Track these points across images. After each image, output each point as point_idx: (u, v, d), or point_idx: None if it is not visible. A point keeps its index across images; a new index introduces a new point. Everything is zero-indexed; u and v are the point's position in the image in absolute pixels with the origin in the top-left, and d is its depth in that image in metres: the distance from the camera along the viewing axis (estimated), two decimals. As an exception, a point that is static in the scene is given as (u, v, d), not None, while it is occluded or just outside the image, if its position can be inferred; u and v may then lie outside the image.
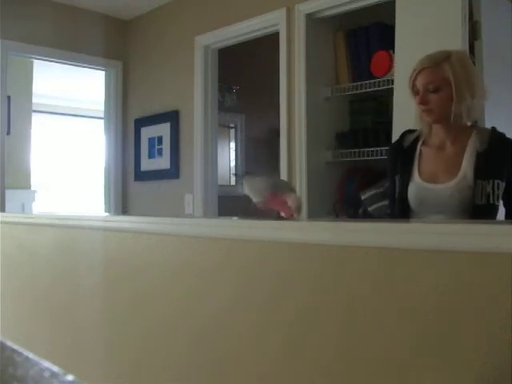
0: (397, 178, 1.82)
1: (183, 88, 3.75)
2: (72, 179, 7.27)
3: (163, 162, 3.92)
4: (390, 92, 2.70)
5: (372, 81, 2.89)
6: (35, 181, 5.44)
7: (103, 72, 4.26)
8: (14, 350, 0.50)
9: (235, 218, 1.51)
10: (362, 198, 2.84)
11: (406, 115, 1.86)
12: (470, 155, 1.71)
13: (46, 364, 0.45)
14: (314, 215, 2.91)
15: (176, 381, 1.50)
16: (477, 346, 0.89)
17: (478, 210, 1.65)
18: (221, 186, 3.98)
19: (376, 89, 2.88)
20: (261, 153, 4.60)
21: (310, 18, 3.00)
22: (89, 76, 4.76)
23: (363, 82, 2.94)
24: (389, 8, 2.64)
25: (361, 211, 2.85)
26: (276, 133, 3.31)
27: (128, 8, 4.03)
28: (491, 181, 1.65)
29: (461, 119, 1.72)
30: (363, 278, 1.06)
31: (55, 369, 0.44)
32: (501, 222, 1.51)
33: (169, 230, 1.56)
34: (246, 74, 4.36)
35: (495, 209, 1.69)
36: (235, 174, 4.71)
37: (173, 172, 3.84)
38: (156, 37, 4.01)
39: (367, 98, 3.09)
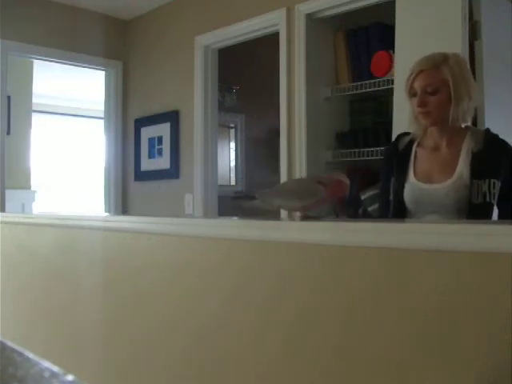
0: (392, 180, 1.84)
1: (183, 88, 3.75)
2: (72, 179, 7.26)
3: (163, 162, 3.92)
4: (390, 92, 2.70)
5: (372, 81, 2.89)
6: (35, 181, 5.43)
7: (103, 72, 4.26)
8: (14, 350, 0.50)
9: (235, 218, 1.51)
10: (362, 198, 2.84)
11: (405, 115, 1.86)
12: (465, 155, 1.73)
13: (46, 364, 0.45)
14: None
15: (176, 381, 1.50)
16: (477, 346, 0.89)
17: (474, 209, 1.67)
18: (221, 186, 3.98)
19: (376, 89, 2.88)
20: (261, 153, 4.60)
21: (310, 18, 3.00)
22: (89, 76, 4.76)
23: (363, 82, 2.94)
24: (389, 8, 2.64)
25: (361, 211, 2.85)
26: (276, 133, 3.31)
27: (128, 8, 4.03)
28: (487, 180, 1.68)
29: (457, 121, 1.74)
30: (363, 278, 1.06)
31: (55, 369, 0.44)
32: (501, 222, 1.52)
33: (169, 230, 1.56)
34: (246, 74, 4.36)
35: (491, 207, 1.71)
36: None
37: (173, 172, 3.84)
38: (156, 37, 4.01)
39: (367, 98, 3.09)
